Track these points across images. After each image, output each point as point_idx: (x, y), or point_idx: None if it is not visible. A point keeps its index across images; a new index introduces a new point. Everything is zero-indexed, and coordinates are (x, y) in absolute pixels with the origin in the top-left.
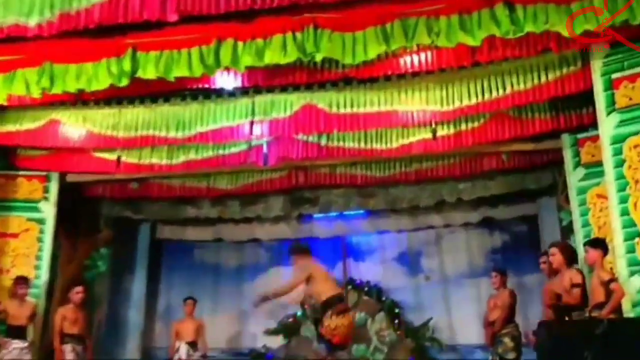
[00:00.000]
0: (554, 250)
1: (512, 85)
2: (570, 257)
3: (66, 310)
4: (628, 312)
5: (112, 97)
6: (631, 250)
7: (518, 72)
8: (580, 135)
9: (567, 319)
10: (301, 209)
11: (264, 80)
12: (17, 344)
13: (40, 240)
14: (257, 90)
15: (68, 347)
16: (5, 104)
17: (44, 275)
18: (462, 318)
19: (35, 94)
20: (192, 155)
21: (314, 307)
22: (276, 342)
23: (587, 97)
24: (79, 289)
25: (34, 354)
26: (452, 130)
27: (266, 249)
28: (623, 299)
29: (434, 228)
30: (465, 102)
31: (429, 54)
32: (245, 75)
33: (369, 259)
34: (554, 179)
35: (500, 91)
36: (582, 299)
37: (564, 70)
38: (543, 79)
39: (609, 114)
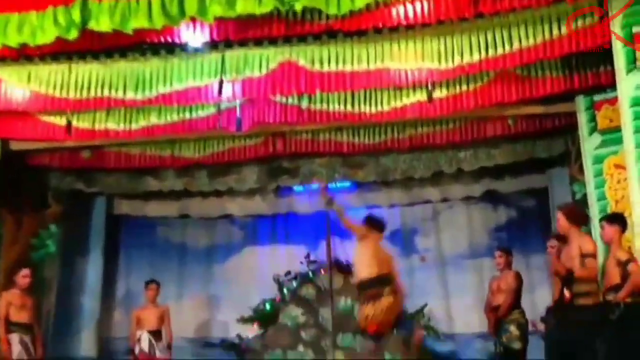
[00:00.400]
0: (558, 214)
1: (519, 40)
2: (578, 220)
3: (11, 296)
4: None
5: (60, 53)
6: None
7: (527, 25)
8: (596, 97)
9: (573, 293)
10: (279, 181)
11: (235, 34)
12: None
13: None
14: (228, 44)
15: (15, 337)
16: None
17: None
18: (461, 304)
19: None
20: (153, 120)
21: None
22: (251, 331)
23: (605, 54)
24: (26, 271)
25: None
26: (451, 92)
27: (239, 226)
28: None
29: (430, 203)
30: (467, 59)
31: (425, 3)
32: (214, 28)
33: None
34: (567, 147)
35: (507, 46)
36: (596, 272)
37: (579, 23)
38: (555, 32)
39: (629, 72)
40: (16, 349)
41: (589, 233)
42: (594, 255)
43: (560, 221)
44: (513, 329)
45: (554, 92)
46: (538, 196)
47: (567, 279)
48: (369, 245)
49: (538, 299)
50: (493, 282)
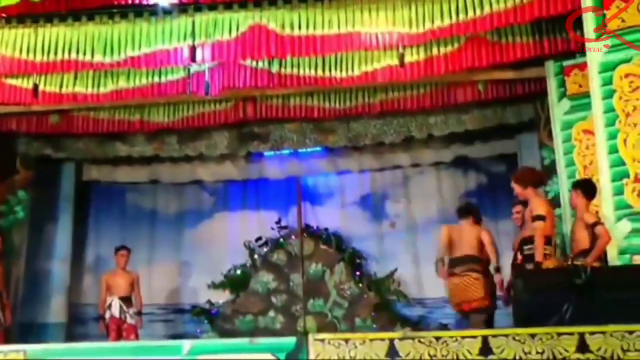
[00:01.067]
0: (512, 183)
1: (490, 4)
2: (530, 182)
3: None
4: (614, 259)
5: (26, 15)
6: (619, 192)
7: None
8: (566, 63)
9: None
10: (250, 146)
11: None
12: None
13: None
14: (198, 7)
15: None
16: None
17: None
18: (430, 269)
19: None
20: (122, 84)
21: None
22: (222, 297)
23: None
24: None
25: None
26: (422, 56)
27: (210, 192)
28: (609, 245)
29: (400, 168)
30: (437, 23)
31: None
32: None
33: (327, 202)
34: (536, 113)
35: (477, 11)
36: (541, 233)
37: None
38: None
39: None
40: None
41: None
42: (541, 217)
43: (516, 189)
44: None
45: (524, 57)
46: (508, 162)
47: (520, 242)
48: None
49: (506, 264)
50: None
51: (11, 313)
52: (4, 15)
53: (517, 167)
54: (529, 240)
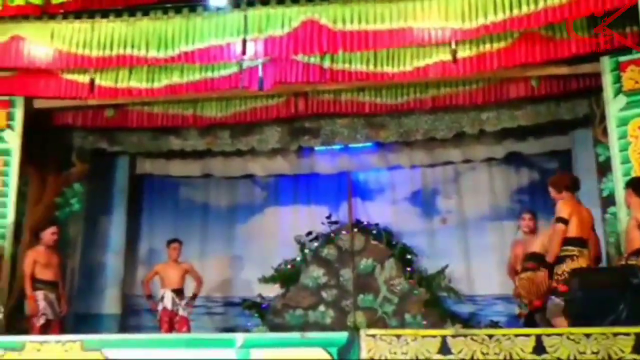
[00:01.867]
0: (549, 186)
1: None
2: (563, 187)
3: (37, 253)
4: None
5: (83, 10)
6: None
7: None
8: (622, 58)
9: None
10: (301, 141)
11: None
12: None
13: (4, 174)
14: (250, 2)
15: (40, 294)
16: None
17: (9, 214)
18: (482, 266)
19: None
20: (176, 78)
21: None
22: (273, 291)
23: (631, 13)
24: (54, 229)
25: (2, 302)
26: (474, 51)
27: (261, 187)
28: None
29: (452, 164)
30: (491, 18)
31: None
32: None
33: (378, 198)
34: (591, 109)
35: (532, 6)
36: (556, 237)
37: None
38: None
39: None
40: (41, 305)
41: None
42: (562, 220)
43: (552, 192)
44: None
45: (579, 52)
46: (561, 158)
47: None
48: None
49: None
50: (518, 245)
51: (67, 303)
52: (62, 10)
53: (570, 163)
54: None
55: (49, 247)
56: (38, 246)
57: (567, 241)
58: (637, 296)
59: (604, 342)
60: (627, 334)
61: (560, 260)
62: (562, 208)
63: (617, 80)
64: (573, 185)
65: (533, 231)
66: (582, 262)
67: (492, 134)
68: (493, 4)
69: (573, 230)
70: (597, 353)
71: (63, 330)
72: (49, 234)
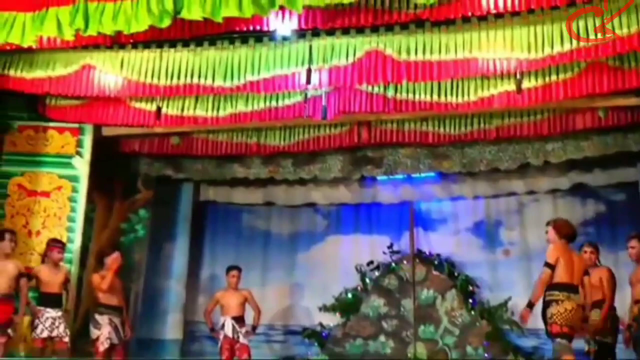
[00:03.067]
0: (550, 227)
1: (613, 29)
2: (565, 235)
3: (103, 276)
4: None
5: (152, 40)
6: None
7: (621, 13)
8: None
9: None
10: (363, 170)
11: (323, 22)
12: (50, 312)
13: (72, 200)
14: (316, 33)
15: (105, 319)
16: (34, 46)
17: (77, 239)
18: None
19: (68, 35)
20: (241, 107)
21: None
22: (333, 319)
23: None
24: (117, 254)
25: (68, 324)
26: (540, 82)
27: (323, 215)
28: None
29: (516, 195)
30: (557, 49)
31: None
32: (303, 16)
33: (440, 228)
34: None
35: (599, 36)
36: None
37: None
38: None
39: None
40: (106, 330)
41: None
42: (547, 264)
43: (550, 233)
44: (608, 324)
45: None
46: (628, 190)
47: None
48: None
49: (627, 297)
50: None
51: (131, 328)
52: (131, 40)
53: (638, 195)
54: None
55: (114, 272)
56: (102, 271)
57: (553, 286)
58: None
59: None
60: None
61: (547, 304)
62: (551, 254)
63: None
64: (572, 235)
65: (595, 264)
66: (567, 306)
67: (557, 165)
68: (560, 34)
69: (560, 276)
70: None
71: (126, 354)
72: (113, 260)
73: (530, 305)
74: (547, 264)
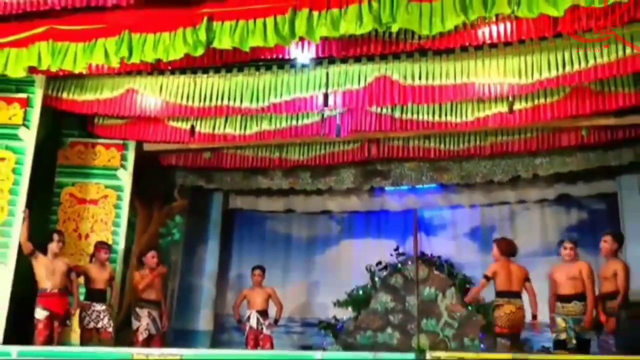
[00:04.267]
0: (495, 245)
1: (595, 58)
2: (506, 252)
3: (142, 275)
4: None
5: (187, 67)
6: None
7: (601, 44)
8: None
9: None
10: (373, 182)
11: (338, 51)
12: (96, 306)
13: (117, 207)
14: (331, 61)
15: (144, 312)
16: (84, 72)
17: (121, 241)
18: None
19: (114, 63)
20: (265, 126)
21: None
22: (346, 313)
23: None
24: (153, 252)
25: (112, 316)
26: (529, 104)
27: (337, 221)
28: None
29: (508, 204)
30: (545, 75)
31: (508, 24)
32: (320, 46)
33: (440, 233)
34: (636, 156)
35: (582, 64)
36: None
37: None
38: (628, 51)
39: None
40: (145, 321)
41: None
42: (485, 276)
43: (494, 250)
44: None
45: (625, 105)
46: (608, 200)
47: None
48: None
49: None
50: (559, 272)
51: (168, 320)
52: (169, 67)
53: (617, 205)
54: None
55: (152, 269)
56: (143, 270)
57: (496, 294)
58: None
59: None
60: None
61: (493, 309)
62: (490, 268)
63: None
64: (511, 251)
65: (573, 259)
66: (506, 310)
67: (545, 178)
68: (547, 62)
69: (500, 285)
70: None
71: (164, 343)
72: (149, 258)
73: (465, 306)
74: (484, 276)
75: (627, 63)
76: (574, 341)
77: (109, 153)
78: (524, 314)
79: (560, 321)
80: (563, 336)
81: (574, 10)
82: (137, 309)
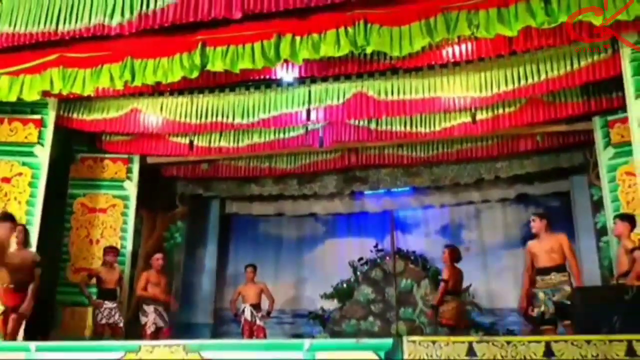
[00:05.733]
0: (447, 253)
1: (546, 72)
2: (455, 259)
3: (149, 274)
4: None
5: (185, 88)
6: None
7: (552, 60)
8: (610, 117)
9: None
10: (353, 187)
11: (319, 71)
12: (108, 304)
13: (124, 215)
14: (313, 80)
15: (151, 308)
16: (93, 95)
17: (128, 245)
18: (499, 285)
19: (119, 86)
20: (255, 139)
21: None
22: (332, 305)
23: (616, 82)
24: (159, 255)
25: (122, 313)
26: (490, 114)
27: (322, 223)
28: None
29: (473, 203)
30: (503, 88)
31: (469, 44)
32: (302, 67)
33: (414, 231)
34: (586, 158)
35: (536, 78)
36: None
37: (595, 58)
38: (575, 65)
39: (637, 97)
40: (151, 317)
41: None
42: (443, 280)
43: (445, 256)
44: (569, 288)
45: (574, 114)
46: (562, 198)
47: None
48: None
49: None
50: (536, 246)
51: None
52: (169, 89)
53: (570, 202)
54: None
55: (157, 270)
56: (149, 270)
57: (446, 292)
58: (628, 309)
59: (602, 347)
60: (621, 341)
61: (441, 304)
62: (444, 272)
63: (606, 135)
64: (458, 258)
65: (544, 231)
66: (449, 306)
67: (505, 179)
68: (504, 77)
69: (451, 286)
70: (596, 356)
71: (171, 336)
72: (155, 260)
73: (434, 307)
74: (443, 280)
75: (575, 76)
76: (551, 311)
77: (116, 166)
78: (465, 309)
79: (541, 295)
80: (543, 308)
81: (526, 31)
82: (144, 306)
